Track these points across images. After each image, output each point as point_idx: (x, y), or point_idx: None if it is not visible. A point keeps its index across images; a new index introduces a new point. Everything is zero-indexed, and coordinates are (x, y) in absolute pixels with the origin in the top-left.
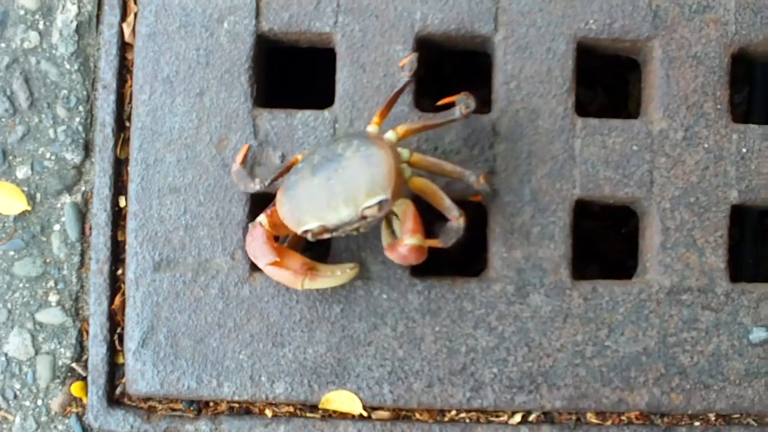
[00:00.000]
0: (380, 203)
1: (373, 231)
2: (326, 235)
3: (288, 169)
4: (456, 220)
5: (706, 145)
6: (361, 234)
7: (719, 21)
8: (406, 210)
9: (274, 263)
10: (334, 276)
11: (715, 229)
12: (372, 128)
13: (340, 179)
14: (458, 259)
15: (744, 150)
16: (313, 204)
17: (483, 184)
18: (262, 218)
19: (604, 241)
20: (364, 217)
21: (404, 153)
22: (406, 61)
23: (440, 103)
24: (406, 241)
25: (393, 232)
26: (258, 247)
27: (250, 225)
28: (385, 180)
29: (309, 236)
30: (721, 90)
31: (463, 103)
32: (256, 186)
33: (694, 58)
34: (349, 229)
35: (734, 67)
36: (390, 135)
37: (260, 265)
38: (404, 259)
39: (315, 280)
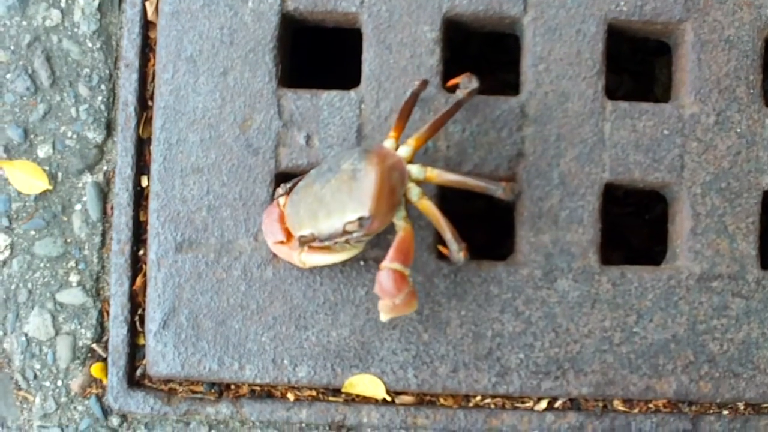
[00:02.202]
0: (360, 220)
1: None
2: (317, 243)
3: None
4: (455, 254)
5: (738, 130)
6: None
7: (753, 4)
8: (397, 234)
9: (281, 242)
10: (334, 253)
11: (747, 215)
12: (388, 142)
13: (330, 191)
14: (485, 242)
15: None
16: (306, 212)
17: (510, 194)
18: (281, 199)
19: (629, 227)
20: (346, 232)
21: (414, 170)
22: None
23: (448, 84)
24: (384, 264)
25: None
26: (268, 225)
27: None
28: (366, 198)
29: (299, 242)
30: (754, 74)
31: (464, 86)
32: (279, 191)
33: (727, 41)
34: (341, 241)
35: (767, 51)
36: (403, 151)
37: (269, 243)
38: (380, 288)
39: (311, 257)
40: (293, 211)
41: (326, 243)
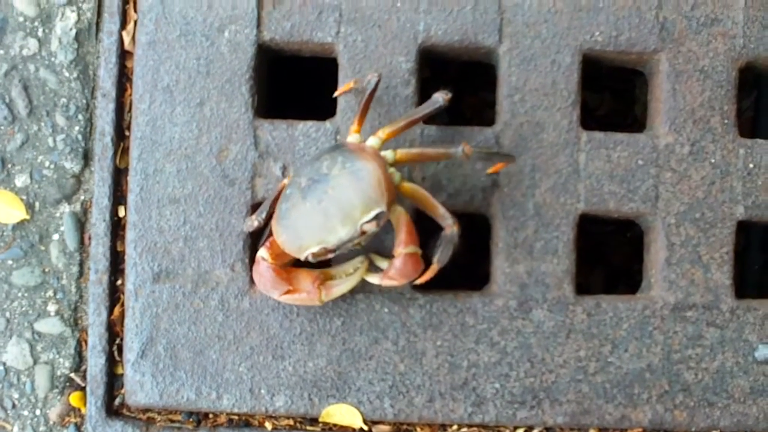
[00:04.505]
0: (377, 216)
1: (373, 241)
2: (330, 255)
3: (278, 197)
4: (449, 228)
5: (712, 160)
6: (362, 247)
7: (727, 34)
8: (398, 221)
9: (287, 292)
10: (347, 279)
11: (721, 245)
12: (353, 137)
13: (332, 200)
14: (461, 266)
15: (751, 165)
16: (310, 229)
17: (470, 152)
18: (263, 252)
19: (609, 245)
20: (363, 232)
21: (388, 155)
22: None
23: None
24: (400, 251)
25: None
26: (267, 282)
27: (257, 256)
28: (376, 193)
29: (311, 258)
30: (729, 104)
31: (442, 92)
32: (253, 223)
33: (702, 71)
34: (350, 246)
35: (741, 75)
36: (372, 141)
37: (274, 297)
38: (401, 273)
39: (331, 291)
40: (291, 236)
41: (337, 252)
